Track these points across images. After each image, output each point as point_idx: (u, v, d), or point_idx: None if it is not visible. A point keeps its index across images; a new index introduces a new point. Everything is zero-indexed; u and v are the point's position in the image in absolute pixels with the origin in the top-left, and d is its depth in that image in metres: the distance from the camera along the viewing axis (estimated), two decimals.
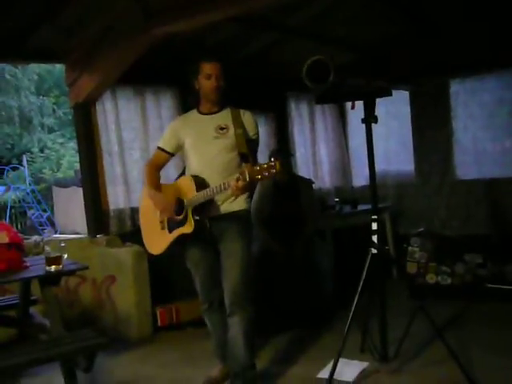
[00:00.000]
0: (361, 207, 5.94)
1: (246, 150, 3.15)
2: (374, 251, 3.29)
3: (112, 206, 4.93)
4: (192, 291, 3.48)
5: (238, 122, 3.21)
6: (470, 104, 5.93)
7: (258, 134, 3.30)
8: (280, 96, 6.26)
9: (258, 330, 3.34)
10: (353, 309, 3.19)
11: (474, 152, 5.98)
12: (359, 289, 3.22)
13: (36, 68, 16.67)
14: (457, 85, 6.01)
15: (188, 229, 3.12)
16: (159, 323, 4.56)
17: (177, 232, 3.19)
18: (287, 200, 4.61)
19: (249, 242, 3.26)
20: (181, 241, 3.21)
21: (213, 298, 3.37)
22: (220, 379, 3.48)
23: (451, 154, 6.09)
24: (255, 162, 3.14)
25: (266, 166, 2.69)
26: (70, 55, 4.66)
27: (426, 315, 3.21)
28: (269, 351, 3.99)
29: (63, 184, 13.76)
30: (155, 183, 3.35)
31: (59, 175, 15.96)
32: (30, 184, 15.11)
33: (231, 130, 3.20)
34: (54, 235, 11.29)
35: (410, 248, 5.46)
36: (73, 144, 15.47)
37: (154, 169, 3.39)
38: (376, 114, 3.31)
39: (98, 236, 4.76)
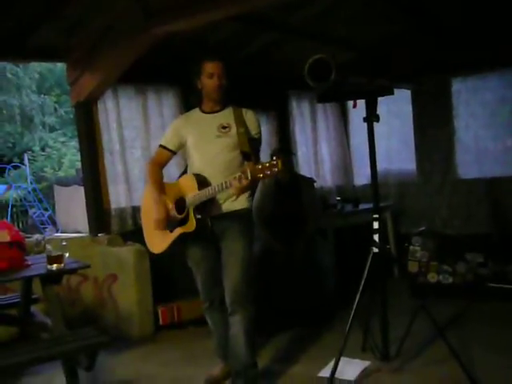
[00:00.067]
0: (362, 206, 5.93)
1: (248, 148, 3.14)
2: (376, 250, 3.29)
3: (113, 205, 4.93)
4: (193, 290, 3.49)
5: (241, 121, 3.22)
6: (471, 103, 5.93)
7: (260, 132, 3.30)
8: (281, 95, 6.25)
9: (260, 329, 3.35)
10: (354, 308, 3.19)
11: (476, 151, 5.98)
12: (361, 288, 3.22)
13: (37, 67, 16.66)
14: (458, 83, 6.00)
15: (190, 227, 3.12)
16: (161, 322, 4.56)
17: (178, 231, 3.19)
18: (289, 199, 4.61)
19: (250, 241, 3.26)
20: (182, 239, 3.21)
21: (214, 297, 3.37)
22: (221, 378, 3.48)
23: (453, 153, 6.09)
24: (257, 160, 3.14)
25: (267, 164, 2.69)
26: (72, 54, 4.66)
27: (427, 314, 3.21)
28: (270, 350, 3.99)
29: (64, 183, 13.74)
30: (159, 182, 3.33)
31: (60, 174, 15.96)
32: (31, 183, 15.11)
33: (233, 129, 3.20)
34: (56, 234, 11.29)
35: (411, 247, 5.45)
36: (74, 143, 15.46)
37: (157, 167, 3.38)
38: (378, 112, 3.31)
39: (99, 235, 4.76)
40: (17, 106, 16.61)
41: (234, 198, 3.15)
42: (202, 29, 4.41)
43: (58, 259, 3.22)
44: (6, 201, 14.44)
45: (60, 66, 14.44)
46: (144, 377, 3.67)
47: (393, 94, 3.36)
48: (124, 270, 4.46)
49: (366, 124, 3.34)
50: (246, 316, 3.20)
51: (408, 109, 6.30)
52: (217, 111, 3.28)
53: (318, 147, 6.65)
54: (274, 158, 2.72)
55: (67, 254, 3.30)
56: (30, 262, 3.45)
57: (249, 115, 3.28)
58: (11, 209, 14.28)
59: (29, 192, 14.63)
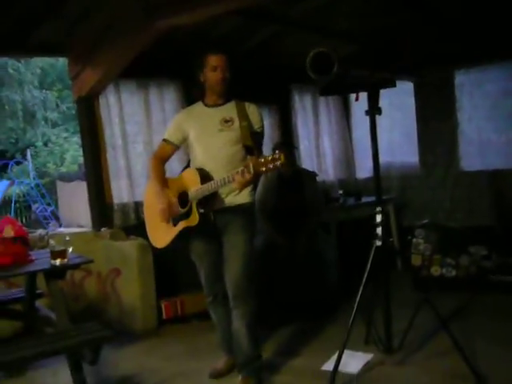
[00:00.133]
0: (365, 199, 5.94)
1: (251, 142, 3.14)
2: (379, 243, 3.29)
3: (116, 200, 4.94)
4: (197, 284, 3.49)
5: (243, 115, 3.21)
6: (474, 95, 5.91)
7: (262, 126, 3.30)
8: (283, 88, 6.24)
9: (263, 323, 3.36)
10: (357, 301, 3.20)
11: (479, 143, 5.97)
12: (363, 281, 3.22)
13: (39, 62, 16.63)
14: (461, 76, 5.99)
15: (193, 222, 3.12)
16: (164, 316, 4.57)
17: (181, 225, 3.19)
18: (291, 193, 4.61)
19: (252, 235, 3.27)
20: (185, 234, 3.21)
21: (217, 291, 3.37)
22: (225, 371, 3.50)
23: (456, 146, 6.08)
24: (260, 154, 3.14)
25: (270, 158, 2.69)
26: (73, 49, 4.66)
27: (430, 307, 3.21)
28: (273, 343, 4.00)
29: (67, 178, 13.72)
30: (161, 177, 3.34)
31: (63, 169, 15.98)
32: (34, 178, 15.11)
33: (236, 123, 3.20)
34: (59, 229, 11.30)
35: (414, 240, 5.45)
36: (76, 138, 15.45)
37: (159, 161, 3.37)
38: (380, 105, 3.30)
39: (102, 229, 4.77)
40: (19, 101, 16.61)
41: (237, 192, 3.15)
42: (204, 23, 4.40)
43: (62, 254, 3.23)
44: (9, 196, 14.46)
45: (62, 61, 14.42)
46: (147, 371, 3.68)
47: (395, 86, 3.35)
48: (127, 264, 4.47)
49: (368, 117, 3.33)
50: (248, 310, 3.21)
51: (410, 101, 6.29)
52: (219, 105, 3.28)
53: (320, 141, 6.64)
54: (277, 151, 2.71)
55: (71, 249, 3.31)
56: (33, 257, 3.46)
57: (251, 109, 3.27)
58: (14, 204, 14.30)
59: (31, 187, 14.64)
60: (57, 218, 13.76)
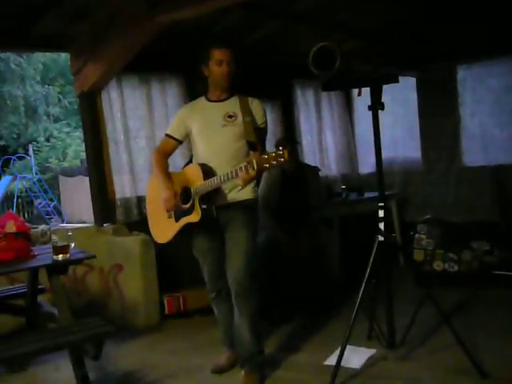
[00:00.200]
0: (367, 195, 5.93)
1: (254, 138, 3.12)
2: (381, 238, 3.28)
3: (118, 195, 4.94)
4: (199, 279, 3.49)
5: (247, 110, 3.20)
6: (477, 90, 5.90)
7: (266, 122, 3.29)
8: (286, 83, 6.23)
9: (265, 318, 3.35)
10: (359, 296, 3.19)
11: (481, 138, 5.96)
12: (366, 276, 3.21)
13: (41, 57, 16.64)
14: (464, 71, 5.97)
15: (195, 217, 3.11)
16: (166, 311, 4.58)
17: (184, 221, 3.18)
18: (294, 188, 4.60)
19: (254, 231, 3.26)
20: (187, 229, 3.21)
21: (220, 287, 3.37)
22: (227, 366, 3.50)
23: (458, 141, 6.07)
24: (263, 150, 3.13)
25: (274, 154, 2.67)
26: (75, 44, 4.65)
27: (433, 302, 3.21)
28: (276, 339, 4.00)
29: (69, 173, 13.76)
30: (165, 169, 3.32)
31: (65, 164, 15.99)
32: (36, 173, 15.14)
33: (239, 118, 3.19)
34: (61, 224, 11.34)
35: (416, 235, 5.45)
36: (79, 133, 15.48)
37: (162, 156, 3.36)
38: (382, 100, 3.29)
39: (104, 225, 4.77)
40: (21, 96, 16.61)
41: (240, 187, 3.15)
42: (206, 17, 4.39)
43: (64, 249, 3.23)
44: (11, 192, 14.48)
45: (64, 56, 14.43)
46: (150, 366, 3.68)
47: (398, 81, 3.33)
48: (130, 259, 4.47)
49: (370, 112, 3.32)
50: (250, 307, 3.21)
51: (413, 96, 6.28)
52: (223, 100, 3.27)
53: (322, 136, 6.63)
54: (281, 148, 2.69)
55: (73, 245, 3.31)
56: (36, 253, 3.46)
57: (255, 104, 3.26)
58: (16, 199, 14.32)
59: (34, 183, 14.66)
60: (59, 213, 13.79)
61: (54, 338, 2.97)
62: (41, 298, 3.86)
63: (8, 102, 16.53)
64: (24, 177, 14.88)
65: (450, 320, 3.26)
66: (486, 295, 4.70)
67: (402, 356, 3.47)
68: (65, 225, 10.86)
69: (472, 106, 5.96)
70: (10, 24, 4.21)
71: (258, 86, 4.33)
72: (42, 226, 5.06)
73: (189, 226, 3.17)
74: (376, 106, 3.29)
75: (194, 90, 3.70)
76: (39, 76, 17.24)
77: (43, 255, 3.42)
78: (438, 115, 6.09)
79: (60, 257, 3.22)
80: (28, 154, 15.93)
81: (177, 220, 3.23)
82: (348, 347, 3.16)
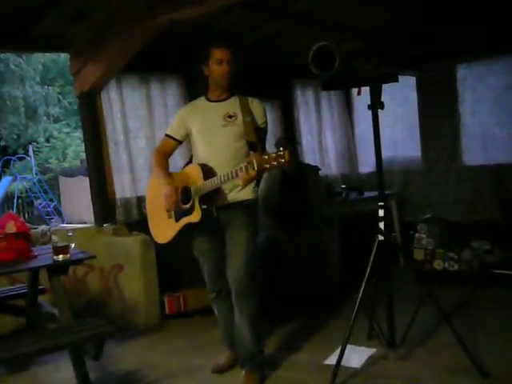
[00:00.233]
0: (367, 194, 5.93)
1: (255, 138, 3.12)
2: (381, 238, 3.28)
3: (118, 195, 4.94)
4: (199, 279, 3.49)
5: (247, 110, 3.19)
6: (477, 89, 5.89)
7: (266, 122, 3.29)
8: (286, 83, 6.23)
9: (266, 318, 3.35)
10: (360, 296, 3.19)
11: (481, 137, 5.95)
12: (366, 276, 3.21)
13: (40, 57, 16.63)
14: (464, 70, 5.97)
15: (195, 218, 3.11)
16: (167, 311, 4.58)
17: (184, 221, 3.18)
18: (294, 188, 4.60)
19: (255, 231, 3.25)
20: (188, 230, 3.21)
21: (220, 287, 3.37)
22: (228, 366, 3.50)
23: (458, 140, 6.07)
24: (264, 150, 3.12)
25: (274, 155, 2.66)
26: (75, 44, 4.65)
27: (433, 301, 3.21)
28: (276, 339, 4.00)
29: (69, 173, 13.77)
30: (165, 167, 3.31)
31: (65, 165, 15.99)
32: (36, 174, 15.13)
33: (239, 118, 3.18)
34: (61, 225, 11.33)
35: (417, 235, 5.45)
36: (79, 133, 15.47)
37: (162, 156, 3.36)
38: (382, 99, 3.29)
39: (104, 225, 4.77)
40: (20, 97, 16.60)
41: (240, 187, 3.14)
42: (206, 17, 4.39)
43: (64, 250, 3.23)
44: (11, 192, 14.48)
45: (63, 57, 14.43)
46: (150, 366, 3.69)
47: (397, 81, 3.33)
48: (130, 259, 4.47)
49: (370, 111, 3.32)
50: (251, 307, 3.21)
51: (413, 96, 6.27)
52: (223, 100, 3.26)
53: (322, 135, 6.63)
54: (281, 148, 2.67)
55: (73, 245, 3.31)
56: (36, 253, 3.46)
57: (255, 104, 3.25)
58: (17, 200, 14.32)
59: (34, 183, 14.66)
60: (59, 214, 13.79)
61: (54, 338, 2.98)
62: (41, 299, 3.86)
63: (8, 102, 16.52)
64: (24, 177, 14.88)
65: (450, 319, 3.26)
66: (486, 294, 4.70)
67: (402, 355, 3.47)
68: (65, 225, 10.85)
69: (472, 105, 5.95)
70: (9, 24, 4.21)
71: (258, 85, 4.33)
72: (43, 227, 5.06)
73: (189, 226, 3.17)
74: (376, 105, 3.29)
75: (193, 90, 3.70)
76: (39, 76, 17.23)
77: (43, 255, 3.42)
78: (438, 114, 6.09)
79: (60, 257, 3.22)
80: (28, 155, 15.92)
81: (177, 220, 3.22)
82: (348, 347, 3.16)
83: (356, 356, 3.46)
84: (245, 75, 3.30)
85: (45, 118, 17.46)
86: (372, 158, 3.51)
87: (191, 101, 3.50)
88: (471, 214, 5.96)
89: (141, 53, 4.37)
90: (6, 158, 15.42)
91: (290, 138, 5.45)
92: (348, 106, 6.84)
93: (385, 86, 3.30)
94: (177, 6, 3.93)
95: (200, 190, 3.09)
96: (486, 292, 4.75)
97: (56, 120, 17.90)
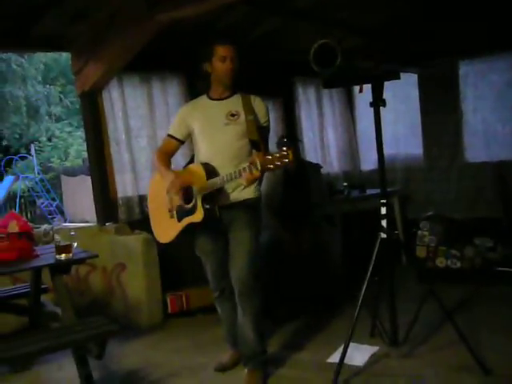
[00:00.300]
0: (369, 191, 5.92)
1: (257, 137, 3.09)
2: (383, 236, 3.28)
3: (120, 194, 4.93)
4: (202, 278, 3.49)
5: (249, 108, 3.17)
6: (479, 86, 5.88)
7: (268, 120, 3.26)
8: (287, 81, 6.22)
9: (269, 317, 3.35)
10: (362, 293, 3.19)
11: (483, 134, 5.94)
12: (369, 273, 3.21)
13: (42, 57, 16.65)
14: (466, 66, 5.95)
15: (198, 217, 3.09)
16: (169, 310, 4.58)
17: (186, 221, 3.17)
18: (296, 186, 4.59)
19: (258, 231, 3.24)
20: (190, 229, 3.19)
21: (223, 287, 3.36)
22: (231, 365, 3.50)
23: (460, 137, 6.06)
24: (267, 150, 3.11)
25: (278, 155, 2.63)
26: (76, 43, 4.64)
27: (435, 299, 3.21)
28: (279, 337, 4.00)
29: (71, 173, 13.79)
30: (167, 166, 3.29)
31: (67, 164, 16.02)
32: (38, 173, 15.15)
33: (242, 117, 3.16)
34: (64, 224, 11.34)
35: (419, 232, 5.44)
36: (80, 133, 15.49)
37: (164, 156, 3.33)
38: (384, 97, 3.28)
39: (106, 224, 4.77)
40: (22, 96, 16.62)
41: (242, 187, 3.13)
42: (206, 15, 4.38)
43: (67, 249, 3.23)
44: (13, 192, 14.50)
45: (65, 56, 14.43)
46: (153, 365, 3.69)
47: (399, 78, 3.32)
48: (132, 258, 4.48)
49: (372, 109, 3.31)
50: (254, 306, 3.20)
51: (415, 93, 6.26)
52: (225, 98, 3.24)
53: (324, 133, 6.62)
54: (285, 148, 2.64)
55: (75, 244, 3.31)
56: (38, 253, 3.47)
57: (257, 102, 3.23)
58: (19, 199, 14.34)
59: (36, 182, 14.68)
60: (61, 213, 13.81)
61: (57, 337, 2.98)
62: (44, 298, 3.86)
63: (10, 102, 16.54)
64: (26, 177, 14.90)
65: (453, 317, 3.25)
66: (488, 292, 4.69)
67: (405, 353, 3.47)
68: (67, 224, 10.85)
69: (474, 102, 5.94)
70: (10, 24, 4.20)
71: (260, 83, 4.32)
72: (45, 226, 5.06)
73: (191, 225, 3.16)
74: (377, 102, 3.28)
75: (195, 88, 3.69)
76: (40, 76, 17.25)
77: (46, 255, 3.42)
78: (440, 111, 6.08)
79: (63, 256, 3.22)
80: (30, 154, 15.94)
81: (179, 220, 3.21)
82: (351, 345, 3.16)
83: (359, 354, 3.46)
84: (246, 73, 3.29)
85: (47, 117, 17.48)
86: (374, 156, 3.50)
87: (192, 99, 3.49)
88: (473, 211, 5.95)
89: (141, 52, 4.37)
90: (8, 157, 15.45)
91: (291, 135, 5.44)
92: (350, 104, 6.84)
93: (386, 84, 3.29)
94: (177, 5, 3.93)
95: (203, 189, 3.07)
96: (488, 289, 4.75)
97: (58, 119, 17.92)
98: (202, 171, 3.10)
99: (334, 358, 3.38)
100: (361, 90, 3.40)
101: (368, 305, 3.37)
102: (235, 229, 3.18)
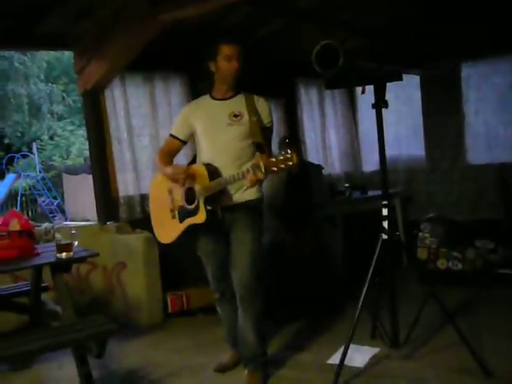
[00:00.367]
0: (371, 193, 5.92)
1: (261, 139, 3.07)
2: (385, 237, 3.28)
3: (122, 193, 4.94)
4: (203, 278, 3.48)
5: (253, 109, 3.15)
6: (481, 88, 5.88)
7: (272, 121, 3.24)
8: (289, 82, 6.22)
9: (270, 318, 3.34)
10: (363, 295, 3.19)
11: (485, 136, 5.94)
12: (370, 275, 3.21)
13: (45, 55, 16.68)
14: (468, 68, 5.95)
15: (200, 219, 3.07)
16: (170, 310, 4.58)
17: (188, 222, 3.15)
18: (298, 187, 4.59)
19: (260, 232, 3.22)
20: (192, 230, 3.18)
21: (224, 289, 3.35)
22: (231, 365, 3.49)
23: (462, 139, 6.06)
24: (270, 151, 3.10)
25: (282, 157, 2.60)
26: (79, 42, 4.65)
27: (436, 300, 3.20)
28: (280, 338, 3.99)
29: (73, 171, 13.82)
30: (169, 165, 3.27)
31: (69, 162, 16.04)
32: (40, 171, 15.17)
33: (245, 117, 3.14)
34: (65, 222, 11.35)
35: (420, 234, 5.44)
36: (82, 131, 15.52)
37: (167, 157, 3.32)
38: (386, 98, 3.28)
39: (108, 223, 4.77)
40: (25, 95, 16.65)
41: (245, 188, 3.11)
42: (209, 15, 4.38)
43: (68, 247, 3.23)
44: (15, 190, 14.52)
45: (67, 55, 14.46)
46: (153, 364, 3.68)
47: (401, 79, 3.32)
48: (133, 257, 4.47)
49: (374, 110, 3.31)
50: (255, 309, 3.19)
51: (417, 94, 6.26)
52: (228, 98, 3.22)
53: (326, 134, 6.62)
54: (289, 151, 2.61)
55: (76, 243, 3.31)
56: (39, 251, 3.46)
57: (261, 103, 3.21)
58: (20, 198, 14.36)
59: (37, 181, 14.70)
60: (63, 212, 13.83)
61: (57, 336, 2.97)
62: (44, 296, 3.85)
63: (12, 100, 16.57)
64: (28, 175, 14.92)
65: (454, 319, 3.25)
66: (490, 294, 4.69)
67: (406, 355, 3.46)
68: (68, 223, 10.87)
69: (476, 104, 5.94)
70: (14, 23, 4.20)
71: (262, 83, 4.32)
72: (46, 224, 5.06)
73: (193, 226, 3.14)
74: (380, 103, 3.28)
75: (197, 88, 3.69)
76: (43, 74, 17.29)
77: (47, 253, 3.42)
78: (442, 113, 6.08)
79: (63, 255, 3.22)
80: (32, 152, 15.96)
81: (181, 221, 3.19)
82: (351, 346, 3.15)
83: (359, 355, 3.46)
84: (248, 73, 3.29)
85: (49, 115, 17.51)
86: (376, 157, 3.50)
87: (195, 99, 3.47)
88: (475, 212, 5.95)
89: (144, 51, 4.36)
90: (9, 155, 15.47)
91: (293, 136, 5.43)
92: (352, 105, 6.84)
93: (389, 85, 3.29)
94: (180, 5, 3.93)
95: (205, 190, 3.05)
96: (489, 291, 4.74)
97: (60, 118, 17.95)
98: (204, 172, 3.08)
99: (335, 359, 3.37)
100: (363, 92, 3.39)
101: (369, 306, 3.36)
102: (237, 230, 3.16)
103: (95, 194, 4.92)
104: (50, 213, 13.84)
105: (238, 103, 3.19)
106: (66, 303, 3.29)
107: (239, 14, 4.80)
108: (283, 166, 2.61)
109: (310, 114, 6.46)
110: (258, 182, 2.88)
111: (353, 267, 4.67)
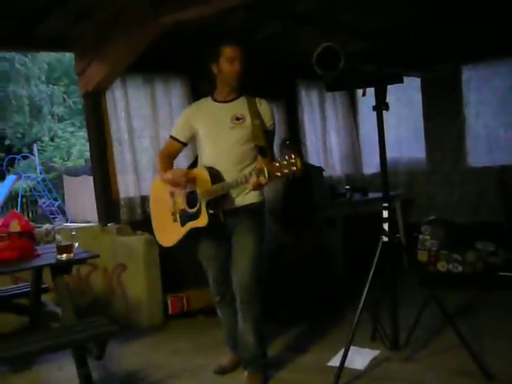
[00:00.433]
0: (371, 195, 5.92)
1: (264, 142, 3.05)
2: (385, 239, 3.27)
3: (122, 195, 4.94)
4: (203, 280, 3.48)
5: (255, 112, 3.13)
6: (482, 90, 5.89)
7: (274, 124, 3.22)
8: (290, 84, 6.22)
9: (270, 320, 3.33)
10: (363, 297, 3.18)
11: (486, 139, 5.96)
12: (370, 277, 3.20)
13: (46, 57, 16.70)
14: (469, 71, 5.96)
15: (202, 222, 3.06)
16: (170, 311, 4.57)
17: (190, 225, 3.13)
18: (299, 190, 4.59)
19: (261, 236, 3.20)
20: (193, 234, 3.16)
21: (224, 292, 3.34)
22: (230, 368, 3.48)
23: (463, 141, 6.07)
24: (273, 155, 3.09)
25: (286, 162, 2.59)
26: (79, 44, 4.65)
27: (437, 303, 3.20)
28: (280, 340, 3.99)
29: (74, 173, 13.82)
30: (169, 168, 3.27)
31: (69, 164, 16.04)
32: (40, 173, 15.18)
33: (248, 120, 3.12)
34: (65, 224, 11.36)
35: (420, 236, 5.43)
36: (83, 133, 15.52)
37: (167, 159, 3.30)
38: (387, 101, 3.28)
39: (108, 224, 4.77)
40: (25, 96, 16.67)
41: (247, 191, 3.09)
42: (210, 18, 4.38)
43: (68, 249, 3.22)
44: (15, 191, 14.52)
45: (68, 56, 14.45)
46: (153, 366, 3.68)
47: (402, 82, 3.32)
48: (133, 259, 4.47)
49: (375, 112, 3.31)
50: (255, 312, 3.18)
51: (417, 97, 6.28)
52: (230, 100, 3.20)
53: (326, 136, 6.63)
54: (293, 156, 2.60)
55: (77, 244, 3.31)
56: (39, 252, 3.46)
57: (263, 106, 3.19)
58: (21, 199, 14.37)
59: (38, 182, 14.71)
60: (63, 213, 13.83)
61: (57, 337, 2.97)
62: (44, 298, 3.85)
63: (13, 101, 16.59)
64: (28, 176, 14.93)
65: (455, 321, 3.25)
66: (490, 296, 4.68)
67: (406, 357, 3.46)
68: (69, 224, 10.88)
69: (477, 107, 5.95)
70: (14, 24, 4.21)
71: (263, 86, 4.33)
72: (46, 226, 5.07)
73: (195, 230, 3.12)
74: (380, 106, 3.28)
75: (198, 90, 3.69)
76: (44, 76, 17.30)
77: (47, 254, 3.41)
78: (443, 116, 6.09)
79: (64, 256, 3.21)
80: (32, 154, 15.97)
81: (182, 224, 3.17)
82: (352, 348, 3.15)
83: (359, 357, 3.45)
84: (249, 75, 3.28)
85: (49, 117, 17.52)
86: (376, 159, 3.49)
87: (195, 101, 3.46)
88: (475, 215, 5.96)
89: (145, 53, 4.37)
90: (10, 156, 15.48)
91: (293, 138, 5.43)
92: (352, 107, 6.85)
93: (389, 87, 3.29)
94: (180, 7, 3.94)
95: (207, 194, 3.03)
96: (490, 294, 4.74)
97: (61, 119, 17.96)
98: (206, 175, 3.06)
99: (335, 361, 3.37)
100: (364, 94, 3.39)
101: (369, 308, 3.36)
102: (238, 233, 3.15)
103: (96, 195, 4.92)
104: (51, 214, 13.85)
105: (241, 106, 3.17)
106: (66, 304, 3.28)
107: (240, 16, 4.81)
108: (287, 171, 2.60)
109: (310, 116, 6.46)
110: (260, 187, 2.87)
111: (353, 269, 4.67)
